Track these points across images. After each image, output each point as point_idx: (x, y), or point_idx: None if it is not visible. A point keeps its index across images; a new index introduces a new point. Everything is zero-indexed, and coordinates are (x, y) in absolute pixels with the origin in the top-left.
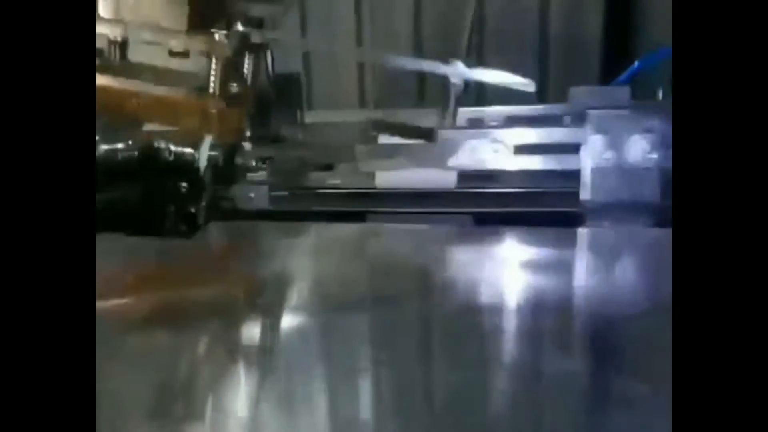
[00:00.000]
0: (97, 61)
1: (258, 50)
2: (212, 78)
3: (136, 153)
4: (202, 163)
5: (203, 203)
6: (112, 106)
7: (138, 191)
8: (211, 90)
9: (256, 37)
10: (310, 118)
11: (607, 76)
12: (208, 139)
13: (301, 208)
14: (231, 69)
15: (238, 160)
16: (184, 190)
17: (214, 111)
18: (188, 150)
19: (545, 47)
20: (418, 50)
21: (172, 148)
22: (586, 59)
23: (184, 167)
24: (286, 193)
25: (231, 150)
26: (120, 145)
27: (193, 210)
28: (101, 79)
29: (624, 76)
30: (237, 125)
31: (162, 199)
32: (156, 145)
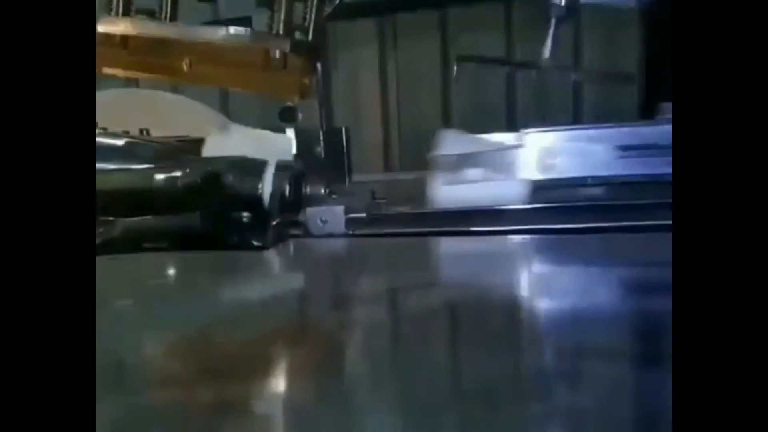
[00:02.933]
0: (148, 20)
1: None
2: (276, 19)
3: (198, 181)
4: (266, 192)
5: (269, 233)
6: (163, 67)
7: (198, 222)
8: (274, 31)
9: None
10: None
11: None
12: (271, 168)
13: (377, 230)
14: (293, 15)
15: (306, 189)
16: (246, 220)
17: (278, 54)
18: (251, 178)
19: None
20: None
21: (235, 176)
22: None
23: (247, 197)
24: (363, 215)
25: (298, 178)
26: (179, 173)
27: (257, 242)
28: (152, 32)
29: None
30: (302, 80)
31: (224, 229)
32: (217, 173)
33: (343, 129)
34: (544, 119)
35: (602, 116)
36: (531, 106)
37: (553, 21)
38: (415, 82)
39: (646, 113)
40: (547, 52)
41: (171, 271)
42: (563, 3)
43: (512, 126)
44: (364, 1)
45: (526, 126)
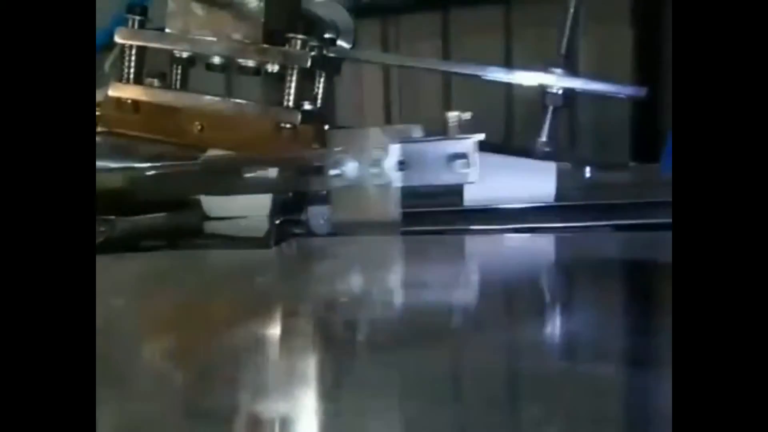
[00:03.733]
0: (158, 85)
1: (331, 68)
2: (287, 91)
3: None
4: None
5: (271, 231)
6: (174, 130)
7: (202, 218)
8: (285, 104)
9: (332, 51)
10: None
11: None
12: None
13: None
14: (304, 85)
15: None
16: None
17: (288, 126)
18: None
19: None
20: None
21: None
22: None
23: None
24: None
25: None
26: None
27: (260, 240)
28: (162, 99)
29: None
30: (311, 145)
31: (227, 227)
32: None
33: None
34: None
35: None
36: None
37: (550, 109)
38: (418, 83)
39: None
40: (543, 137)
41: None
42: (560, 93)
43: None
44: (367, 2)
45: None
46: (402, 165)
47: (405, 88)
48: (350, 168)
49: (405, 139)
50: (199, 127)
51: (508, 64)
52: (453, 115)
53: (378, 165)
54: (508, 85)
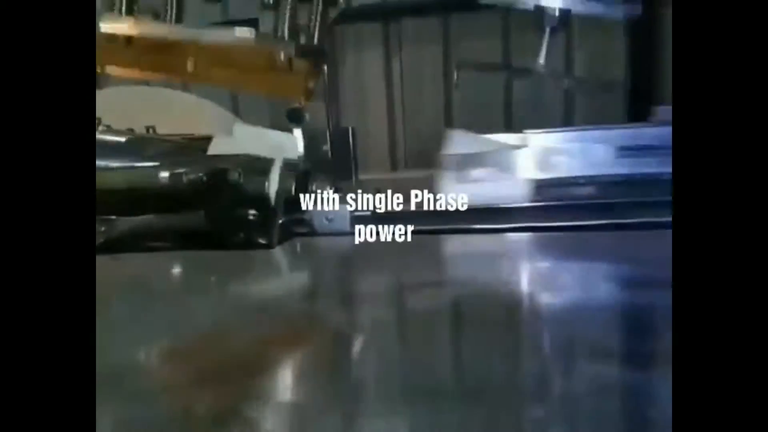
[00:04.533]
0: (152, 21)
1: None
2: (281, 22)
3: (203, 178)
4: (272, 190)
5: (274, 231)
6: (167, 66)
7: (204, 218)
8: (279, 34)
9: None
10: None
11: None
12: (277, 166)
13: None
14: (298, 18)
15: (312, 187)
16: (252, 217)
17: (283, 57)
18: (257, 177)
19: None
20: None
21: (240, 174)
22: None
23: (253, 194)
24: (368, 213)
25: (304, 177)
26: (184, 170)
27: (263, 240)
28: (157, 32)
29: None
30: (307, 82)
31: (229, 227)
32: (223, 170)
33: (350, 129)
34: (540, 120)
35: (591, 119)
36: (527, 109)
37: (547, 30)
38: (419, 84)
39: (634, 116)
40: (541, 59)
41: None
42: (557, 14)
43: (510, 127)
44: (370, 6)
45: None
46: None
47: (407, 91)
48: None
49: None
50: (193, 63)
51: (508, 66)
52: None
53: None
54: (507, 85)
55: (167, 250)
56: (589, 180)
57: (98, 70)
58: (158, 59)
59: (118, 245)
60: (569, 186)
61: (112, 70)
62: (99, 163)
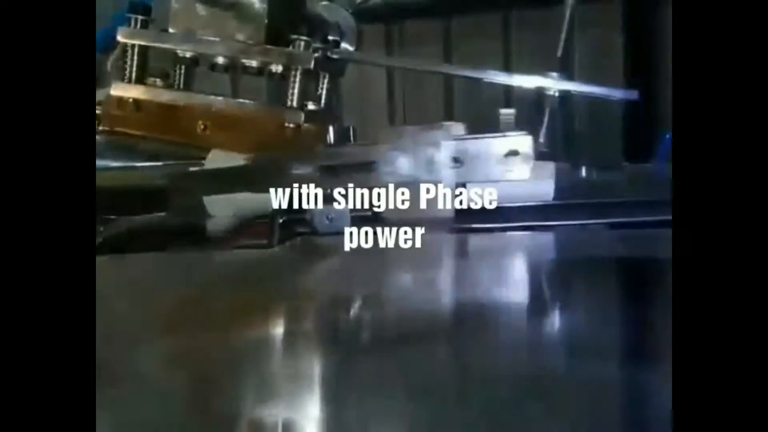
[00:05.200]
0: (160, 85)
1: (334, 70)
2: (290, 92)
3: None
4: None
5: (275, 231)
6: (177, 130)
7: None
8: (288, 104)
9: (335, 53)
10: None
11: None
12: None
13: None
14: (308, 86)
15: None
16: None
17: (292, 125)
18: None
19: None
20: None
21: None
22: None
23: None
24: (369, 213)
25: None
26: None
27: (262, 239)
28: (164, 99)
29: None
30: (315, 144)
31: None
32: None
33: (351, 128)
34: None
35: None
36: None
37: (547, 111)
38: (420, 86)
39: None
40: (541, 137)
41: None
42: (557, 95)
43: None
44: (371, 8)
45: None
46: (456, 162)
47: (408, 92)
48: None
49: (458, 136)
50: (202, 127)
51: (507, 67)
52: (507, 112)
53: (431, 162)
54: (507, 89)
55: (166, 249)
56: None
57: (108, 132)
58: (168, 123)
59: (118, 245)
60: None
61: (122, 131)
62: (99, 163)
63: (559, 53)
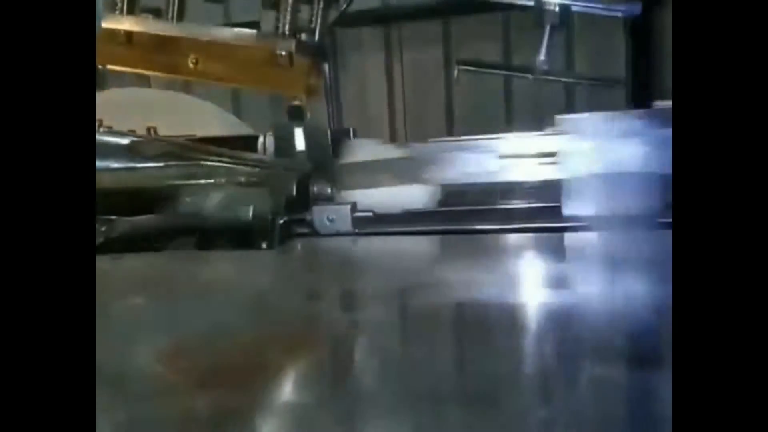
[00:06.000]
0: (153, 19)
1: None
2: (282, 19)
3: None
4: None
5: (275, 232)
6: (168, 64)
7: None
8: (280, 32)
9: None
10: None
11: None
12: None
13: (386, 229)
14: (300, 17)
15: (313, 189)
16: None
17: (284, 53)
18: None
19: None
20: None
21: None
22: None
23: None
24: (369, 214)
25: (305, 178)
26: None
27: (263, 242)
28: (156, 29)
29: None
30: (307, 79)
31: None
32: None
33: (351, 129)
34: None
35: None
36: (527, 108)
37: (547, 28)
38: (420, 86)
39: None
40: (542, 56)
41: None
42: (557, 10)
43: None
44: (372, 10)
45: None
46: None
47: (409, 93)
48: None
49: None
50: (193, 60)
51: (507, 69)
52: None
53: None
54: (507, 89)
55: (167, 250)
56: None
57: (99, 67)
58: (159, 57)
59: (118, 245)
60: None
61: (113, 68)
62: (99, 163)
63: None
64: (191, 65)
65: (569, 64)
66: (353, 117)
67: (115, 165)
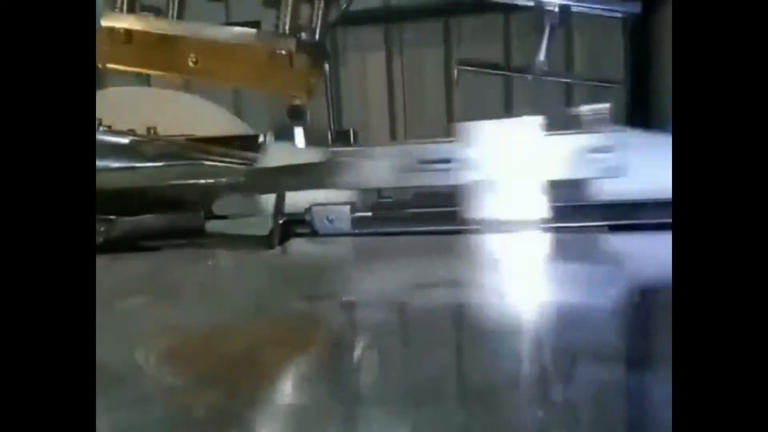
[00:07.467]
0: (153, 17)
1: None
2: (282, 18)
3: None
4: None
5: (275, 231)
6: (168, 63)
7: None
8: (280, 31)
9: None
10: None
11: None
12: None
13: (386, 228)
14: (300, 15)
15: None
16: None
17: (284, 53)
18: None
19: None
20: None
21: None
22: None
23: None
24: (369, 214)
25: None
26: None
27: (263, 242)
28: (156, 27)
29: None
30: (308, 78)
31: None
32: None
33: (351, 130)
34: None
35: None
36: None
37: (547, 28)
38: (420, 86)
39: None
40: (541, 56)
41: None
42: (557, 10)
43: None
44: (372, 10)
45: None
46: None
47: (409, 93)
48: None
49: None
50: (193, 59)
51: (507, 69)
52: (591, 108)
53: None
54: (507, 89)
55: (166, 249)
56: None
57: (98, 66)
58: (159, 55)
59: (118, 245)
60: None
61: (112, 67)
62: (99, 163)
63: None
64: (191, 64)
65: (569, 64)
66: (353, 117)
67: (115, 164)
